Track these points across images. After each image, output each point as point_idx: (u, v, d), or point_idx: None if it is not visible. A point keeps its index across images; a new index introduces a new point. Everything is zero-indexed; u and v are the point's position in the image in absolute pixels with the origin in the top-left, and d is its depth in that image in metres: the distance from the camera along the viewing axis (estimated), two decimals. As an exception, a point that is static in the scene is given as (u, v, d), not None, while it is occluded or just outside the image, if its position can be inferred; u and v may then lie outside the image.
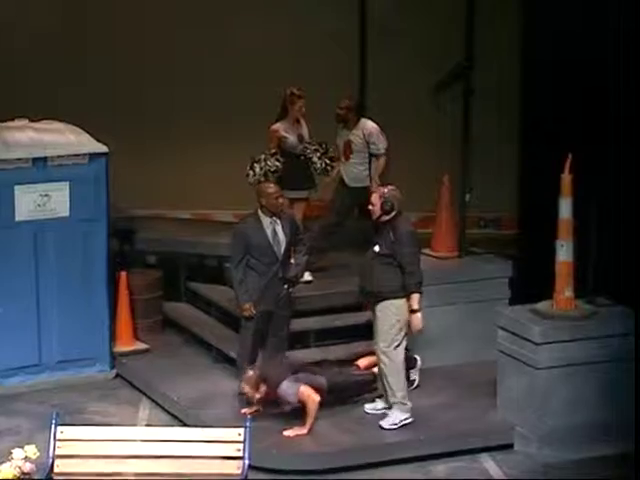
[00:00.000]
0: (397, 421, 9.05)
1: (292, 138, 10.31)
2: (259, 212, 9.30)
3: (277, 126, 10.32)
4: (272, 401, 9.06)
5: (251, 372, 8.96)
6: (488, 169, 11.31)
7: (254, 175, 10.14)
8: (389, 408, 9.14)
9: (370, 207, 8.94)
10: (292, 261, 9.38)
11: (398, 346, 8.98)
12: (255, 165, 10.15)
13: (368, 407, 9.31)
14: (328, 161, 10.29)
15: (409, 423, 9.04)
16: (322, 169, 10.31)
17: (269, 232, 9.22)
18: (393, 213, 8.86)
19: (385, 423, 9.07)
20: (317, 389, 9.00)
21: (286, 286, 9.31)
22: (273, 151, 10.22)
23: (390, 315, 8.94)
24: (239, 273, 9.20)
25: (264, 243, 9.19)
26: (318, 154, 10.26)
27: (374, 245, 8.97)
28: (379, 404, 9.29)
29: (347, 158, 10.47)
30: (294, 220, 9.48)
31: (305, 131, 10.38)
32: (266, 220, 9.24)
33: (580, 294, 9.22)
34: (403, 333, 8.97)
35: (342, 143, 10.51)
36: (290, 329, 9.58)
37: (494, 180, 11.61)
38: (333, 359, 9.73)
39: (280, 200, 9.23)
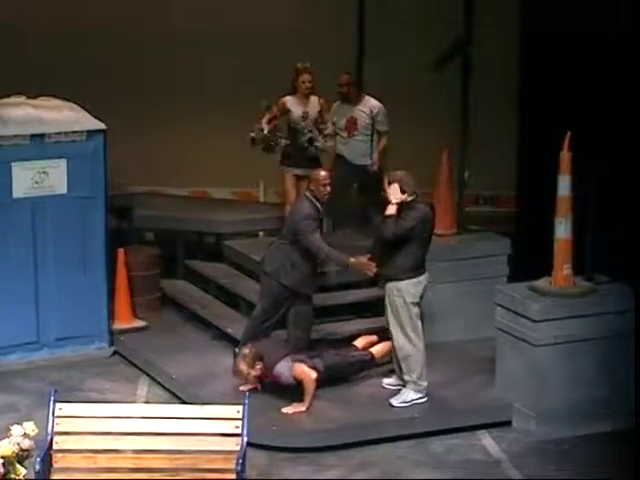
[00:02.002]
0: (408, 399, 9.05)
1: (296, 113, 10.30)
2: (311, 197, 9.15)
3: (286, 98, 10.36)
4: (267, 379, 9.05)
5: (247, 350, 8.95)
6: (487, 146, 11.27)
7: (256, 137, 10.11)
8: (403, 385, 9.13)
9: (384, 193, 8.89)
10: None
11: (410, 328, 8.96)
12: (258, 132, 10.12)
13: (386, 382, 9.29)
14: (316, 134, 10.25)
15: (421, 403, 9.05)
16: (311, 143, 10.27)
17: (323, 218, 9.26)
18: (409, 198, 8.82)
19: (395, 401, 9.07)
20: (313, 369, 8.99)
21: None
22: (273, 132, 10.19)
23: (394, 298, 8.94)
24: (321, 242, 9.02)
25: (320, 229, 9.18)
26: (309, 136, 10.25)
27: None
28: (394, 380, 9.28)
29: (351, 134, 10.42)
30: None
31: (313, 109, 10.33)
32: (318, 205, 9.17)
33: (579, 271, 9.20)
34: (413, 315, 8.94)
35: (344, 120, 10.45)
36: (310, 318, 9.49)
37: (493, 157, 11.58)
38: (330, 339, 9.68)
39: (328, 188, 9.10)
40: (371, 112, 10.34)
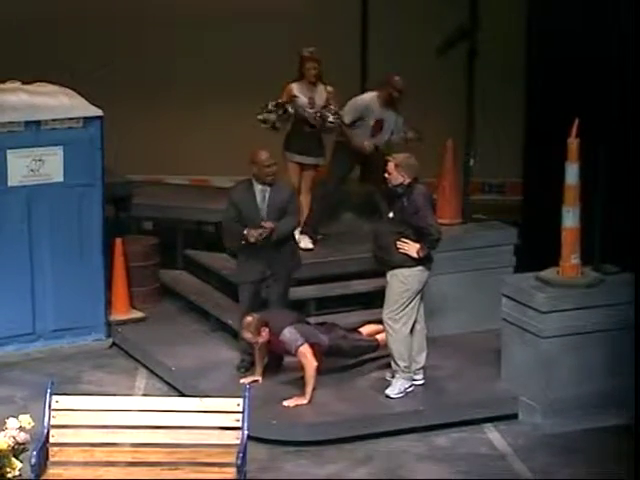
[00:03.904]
0: (402, 389, 9.00)
1: (303, 99, 10.19)
2: (252, 179, 9.19)
3: (292, 85, 10.25)
4: (273, 348, 8.94)
5: (249, 318, 8.84)
6: (493, 133, 11.16)
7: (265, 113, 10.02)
8: (392, 376, 9.08)
9: (386, 175, 8.83)
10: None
11: (404, 316, 8.87)
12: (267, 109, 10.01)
13: (389, 374, 9.18)
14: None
15: (420, 385, 9.01)
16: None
17: (259, 200, 9.12)
18: (408, 180, 8.74)
19: (391, 392, 9.01)
20: (318, 346, 8.90)
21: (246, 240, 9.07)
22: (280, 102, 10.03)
23: (397, 283, 8.85)
24: (228, 220, 9.15)
25: (252, 211, 9.10)
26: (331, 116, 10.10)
27: (388, 212, 8.90)
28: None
29: (374, 135, 10.22)
30: (288, 190, 9.31)
31: (320, 97, 10.19)
32: (257, 187, 9.14)
33: (587, 261, 9.08)
34: (411, 304, 8.86)
35: (373, 120, 10.20)
36: (288, 294, 9.39)
37: (499, 145, 11.47)
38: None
39: (272, 168, 9.10)
40: (396, 121, 10.16)
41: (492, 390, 9.14)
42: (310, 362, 8.80)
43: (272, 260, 9.16)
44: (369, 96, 10.26)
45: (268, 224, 9.04)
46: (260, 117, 10.00)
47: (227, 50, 12.11)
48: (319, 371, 8.88)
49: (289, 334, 8.79)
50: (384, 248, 8.86)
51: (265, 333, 8.79)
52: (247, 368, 9.30)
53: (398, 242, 8.76)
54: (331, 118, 10.06)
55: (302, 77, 10.25)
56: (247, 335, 8.84)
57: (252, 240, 9.01)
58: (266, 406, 8.67)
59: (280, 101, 10.05)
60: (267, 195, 9.14)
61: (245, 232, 9.02)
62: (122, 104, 11.21)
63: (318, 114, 10.08)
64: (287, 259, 9.26)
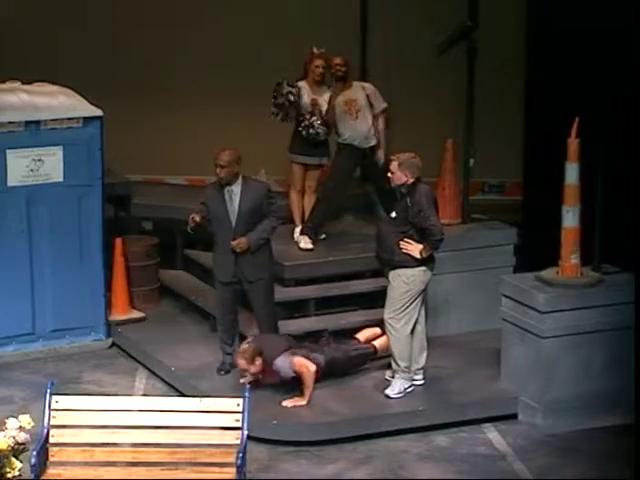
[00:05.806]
0: (402, 389, 8.99)
1: (305, 99, 10.13)
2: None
3: (298, 83, 10.18)
4: (267, 376, 8.93)
5: (246, 345, 8.82)
6: (493, 132, 11.15)
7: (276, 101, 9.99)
8: (392, 376, 9.08)
9: (389, 174, 8.83)
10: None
11: (405, 316, 8.86)
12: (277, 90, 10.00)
13: (388, 374, 9.18)
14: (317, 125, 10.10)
15: (420, 385, 9.02)
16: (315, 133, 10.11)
17: (227, 200, 9.04)
18: (411, 180, 8.74)
19: (390, 392, 9.00)
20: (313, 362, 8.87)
21: (234, 252, 8.99)
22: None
23: (400, 284, 8.84)
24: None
25: (221, 212, 9.03)
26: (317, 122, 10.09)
27: (387, 212, 8.89)
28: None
29: (355, 116, 10.23)
30: (262, 189, 9.15)
31: (323, 97, 10.14)
32: (225, 187, 9.05)
33: (587, 261, 9.07)
34: (413, 304, 8.85)
35: (343, 103, 10.24)
36: (273, 296, 9.33)
37: (499, 144, 11.46)
38: (332, 330, 9.57)
39: (217, 169, 9.01)
40: (367, 95, 10.18)
41: (492, 390, 9.13)
42: (307, 367, 8.78)
43: (245, 265, 9.03)
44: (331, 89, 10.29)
45: (236, 242, 8.93)
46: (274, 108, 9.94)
47: (226, 51, 12.09)
48: (317, 375, 8.84)
49: (281, 362, 8.76)
50: (387, 248, 8.84)
51: (259, 363, 8.77)
52: (227, 371, 9.27)
53: (401, 242, 8.76)
54: (317, 128, 10.03)
55: (307, 75, 10.19)
56: (241, 362, 8.78)
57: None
58: (266, 406, 8.66)
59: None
60: (234, 196, 9.02)
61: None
62: (122, 104, 11.20)
63: (307, 122, 10.05)
64: (263, 263, 9.11)
